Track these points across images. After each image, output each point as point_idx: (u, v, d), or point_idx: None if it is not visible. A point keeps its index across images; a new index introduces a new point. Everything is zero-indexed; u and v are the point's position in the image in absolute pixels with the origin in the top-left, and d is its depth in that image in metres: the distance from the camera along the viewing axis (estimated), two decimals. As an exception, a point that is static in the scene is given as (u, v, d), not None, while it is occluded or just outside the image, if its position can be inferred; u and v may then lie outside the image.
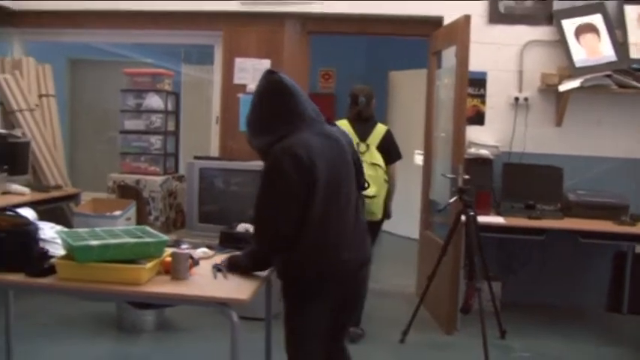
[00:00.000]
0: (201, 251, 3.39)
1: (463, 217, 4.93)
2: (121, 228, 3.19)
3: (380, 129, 5.17)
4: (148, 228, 3.17)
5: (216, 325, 5.23)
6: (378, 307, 6.20)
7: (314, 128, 2.90)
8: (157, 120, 6.50)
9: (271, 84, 2.91)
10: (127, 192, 6.32)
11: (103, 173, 6.65)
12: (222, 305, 2.72)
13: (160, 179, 6.35)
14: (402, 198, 7.31)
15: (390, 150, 5.16)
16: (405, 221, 8.33)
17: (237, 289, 2.82)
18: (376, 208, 5.00)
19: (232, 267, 3.10)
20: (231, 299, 2.71)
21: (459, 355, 4.89)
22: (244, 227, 4.33)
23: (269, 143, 2.83)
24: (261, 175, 2.80)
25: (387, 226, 9.36)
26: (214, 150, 6.77)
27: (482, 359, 4.54)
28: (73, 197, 6.54)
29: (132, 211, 5.97)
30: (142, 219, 6.06)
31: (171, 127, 6.69)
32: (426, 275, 5.14)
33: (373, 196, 4.94)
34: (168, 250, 3.02)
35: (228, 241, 4.30)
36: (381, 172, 5.04)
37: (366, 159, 4.93)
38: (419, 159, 8.01)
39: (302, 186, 2.74)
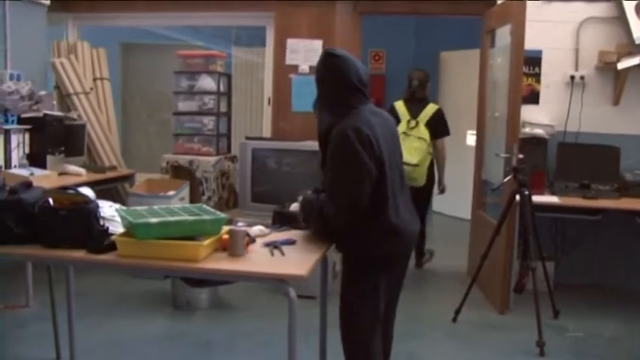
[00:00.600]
0: (257, 229, 3.38)
1: (517, 197, 4.87)
2: (178, 206, 3.17)
3: (430, 108, 5.97)
4: (205, 206, 3.16)
5: (270, 303, 5.26)
6: (430, 286, 6.19)
7: (370, 107, 2.99)
8: (209, 101, 6.53)
9: (331, 68, 2.94)
10: (181, 172, 6.35)
11: (157, 154, 6.73)
12: (279, 281, 2.70)
13: (212, 159, 6.38)
14: (452, 178, 7.25)
15: (437, 126, 5.94)
16: (456, 202, 8.27)
17: (295, 265, 2.79)
18: (418, 175, 5.76)
19: (303, 208, 3.19)
20: (289, 275, 2.70)
21: (511, 335, 4.83)
22: (297, 206, 4.32)
23: (330, 125, 2.88)
24: (331, 156, 2.85)
25: (438, 206, 9.44)
26: (266, 131, 6.79)
27: (535, 339, 4.47)
28: (128, 178, 6.60)
29: (185, 191, 5.99)
30: (195, 199, 6.09)
31: (223, 108, 6.71)
32: (478, 255, 5.08)
33: (416, 165, 5.69)
34: (225, 228, 3.00)
35: (281, 220, 4.30)
36: (425, 145, 5.81)
37: (414, 134, 5.85)
38: (471, 139, 7.92)
39: (371, 160, 2.81)
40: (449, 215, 9.23)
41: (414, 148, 5.77)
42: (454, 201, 7.79)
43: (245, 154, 5.98)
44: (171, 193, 5.84)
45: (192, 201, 5.97)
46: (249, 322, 4.98)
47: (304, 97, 6.18)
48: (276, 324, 4.56)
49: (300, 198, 3.23)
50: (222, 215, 3.01)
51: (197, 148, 6.56)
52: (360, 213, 2.85)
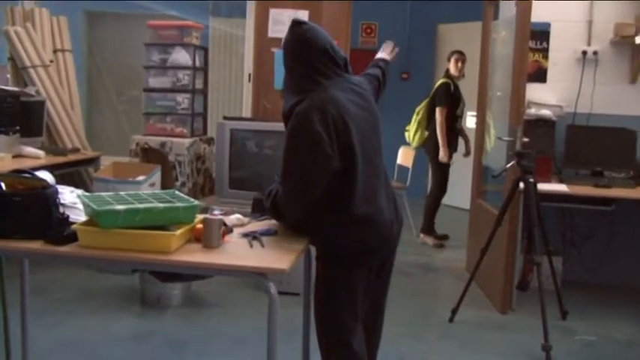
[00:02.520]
0: (235, 218, 3.36)
1: (521, 185, 4.88)
2: (147, 192, 3.15)
3: (437, 82, 7.40)
4: (177, 192, 3.15)
5: (248, 300, 5.28)
6: (425, 282, 6.22)
7: (342, 84, 2.94)
8: (184, 77, 6.51)
9: (295, 37, 2.91)
10: (151, 155, 6.35)
11: (125, 135, 6.78)
12: (259, 276, 2.68)
13: (187, 141, 6.36)
14: (451, 164, 7.27)
15: (434, 97, 7.29)
16: (455, 190, 8.27)
17: (276, 258, 2.78)
18: (410, 137, 7.35)
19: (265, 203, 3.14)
20: (269, 269, 2.68)
21: (514, 337, 4.85)
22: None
23: (295, 103, 2.86)
24: (287, 136, 2.83)
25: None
26: (246, 110, 6.78)
27: (540, 342, 4.46)
28: (92, 161, 6.60)
29: (156, 176, 5.99)
30: (167, 185, 6.09)
31: (199, 84, 6.69)
32: (478, 248, 5.09)
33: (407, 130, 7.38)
34: (200, 217, 3.00)
35: (261, 209, 4.29)
36: (421, 114, 7.39)
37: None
38: (471, 121, 7.96)
39: (333, 146, 2.77)
40: (446, 205, 9.20)
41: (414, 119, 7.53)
42: (452, 189, 7.79)
43: (223, 135, 5.93)
44: (140, 178, 5.83)
45: (164, 187, 5.95)
46: (225, 320, 4.98)
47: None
48: (256, 323, 4.60)
49: (266, 192, 3.17)
50: (197, 202, 2.99)
51: (170, 129, 6.54)
52: (315, 202, 2.85)
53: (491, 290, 5.54)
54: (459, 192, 8.35)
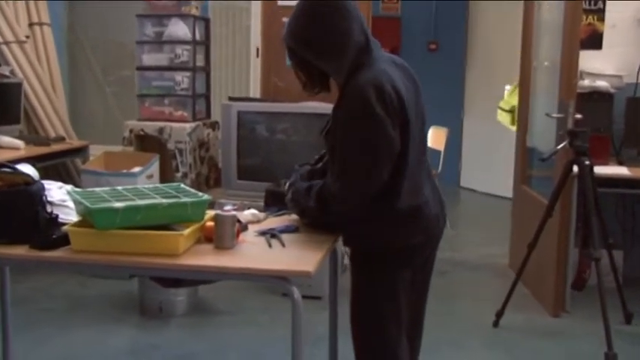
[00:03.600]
0: (249, 213, 3.35)
1: (574, 168, 4.85)
2: (148, 186, 3.16)
3: None
4: (182, 185, 3.16)
5: (263, 306, 5.28)
6: (463, 282, 6.20)
7: (385, 57, 2.93)
8: (182, 53, 6.46)
9: (330, 3, 2.83)
10: (148, 143, 6.34)
11: (116, 121, 6.78)
12: (281, 280, 2.68)
13: (188, 126, 6.35)
14: (485, 146, 7.26)
15: None
16: (488, 175, 8.29)
17: (299, 259, 2.79)
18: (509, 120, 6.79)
19: (292, 201, 3.15)
20: (292, 272, 2.68)
21: (570, 344, 4.81)
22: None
23: (347, 68, 2.82)
24: (344, 121, 2.80)
25: (467, 181, 9.49)
26: (255, 89, 6.78)
27: (602, 349, 4.38)
28: (80, 151, 6.59)
29: (154, 167, 5.98)
30: (167, 176, 6.08)
31: (200, 61, 6.65)
32: (523, 242, 5.09)
33: None
34: (210, 213, 2.99)
35: (275, 201, 4.27)
36: None
37: None
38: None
39: (395, 127, 2.76)
40: (481, 192, 9.24)
41: None
42: (487, 174, 7.80)
43: (229, 119, 5.92)
44: (136, 169, 5.83)
45: (163, 179, 5.96)
46: (237, 330, 4.97)
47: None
48: (272, 332, 4.73)
49: (289, 183, 3.19)
50: (206, 197, 2.98)
51: (168, 113, 6.51)
52: (371, 194, 2.84)
53: (541, 290, 5.51)
54: (499, 177, 8.32)
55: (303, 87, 3.00)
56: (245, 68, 7.08)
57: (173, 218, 2.87)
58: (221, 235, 2.88)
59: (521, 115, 6.40)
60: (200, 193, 3.03)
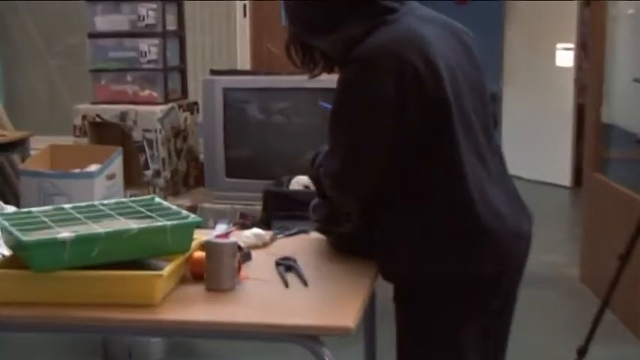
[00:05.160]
0: (251, 235, 3.09)
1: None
2: (109, 202, 2.90)
3: None
4: (158, 199, 2.94)
5: (256, 348, 4.98)
6: (525, 302, 5.87)
7: (419, 10, 2.75)
8: (148, 13, 6.30)
9: None
10: (107, 133, 6.25)
11: (64, 104, 6.85)
12: (308, 339, 2.44)
13: (159, 110, 6.21)
14: (530, 121, 7.01)
15: None
16: (536, 158, 8.41)
17: (330, 307, 2.58)
18: None
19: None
20: (324, 328, 2.44)
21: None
22: (301, 183, 4.43)
23: (348, 41, 2.65)
24: (336, 92, 2.67)
25: (509, 167, 9.38)
26: (243, 59, 6.77)
27: None
28: (17, 145, 6.53)
29: (116, 165, 5.85)
30: (133, 176, 6.03)
31: (171, 24, 6.52)
32: (602, 250, 5.03)
33: None
34: (198, 237, 2.75)
35: (277, 205, 4.29)
36: None
37: None
38: (565, 57, 8.14)
39: (407, 110, 2.56)
40: (532, 180, 9.08)
41: None
42: (535, 157, 7.58)
43: (212, 98, 5.84)
44: (92, 168, 5.67)
45: (128, 180, 5.92)
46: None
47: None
48: None
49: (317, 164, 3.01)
50: (194, 218, 2.71)
51: (132, 93, 6.38)
52: (379, 196, 2.71)
53: (634, 316, 5.31)
54: (550, 161, 8.33)
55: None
56: (230, 32, 7.10)
57: (146, 250, 2.62)
58: (215, 273, 2.63)
59: (593, 81, 6.23)
60: (184, 212, 2.76)
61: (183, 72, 6.71)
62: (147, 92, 6.34)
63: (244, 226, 3.23)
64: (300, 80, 5.51)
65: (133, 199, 3.00)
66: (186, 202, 5.60)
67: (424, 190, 2.68)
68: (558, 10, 8.05)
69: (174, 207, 2.84)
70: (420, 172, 2.66)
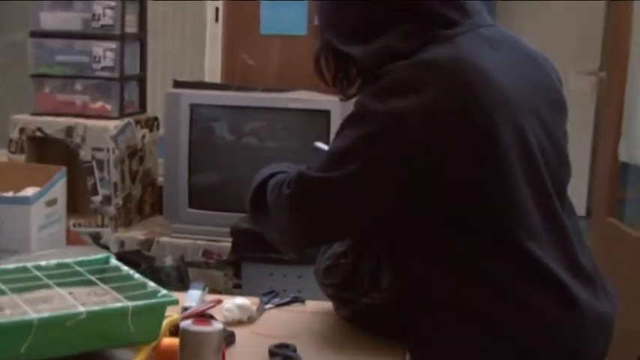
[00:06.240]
0: (234, 307, 2.70)
1: None
2: (48, 263, 2.38)
3: None
4: (114, 260, 2.49)
5: None
6: None
7: (488, 29, 2.43)
8: (104, 12, 6.02)
9: None
10: (49, 150, 5.99)
11: (0, 113, 6.50)
12: None
13: (112, 126, 5.87)
14: None
15: None
16: None
17: None
18: None
19: None
20: None
21: None
22: None
23: (388, 53, 2.32)
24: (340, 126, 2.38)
25: None
26: (212, 70, 6.57)
27: None
28: None
29: (58, 188, 5.44)
30: (78, 202, 5.73)
31: (132, 25, 6.21)
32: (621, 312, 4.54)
33: None
34: (170, 317, 2.31)
35: (249, 245, 4.27)
36: None
37: None
38: (580, 81, 8.42)
39: (437, 159, 2.20)
40: None
41: None
42: None
43: (176, 114, 5.55)
44: (29, 192, 5.25)
45: (73, 207, 5.52)
46: None
47: (286, 6, 6.21)
48: None
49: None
50: (164, 294, 2.25)
51: (81, 104, 6.03)
52: (318, 246, 2.67)
53: None
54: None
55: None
56: (199, 38, 6.87)
57: (97, 341, 2.13)
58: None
59: (610, 114, 6.14)
60: (150, 284, 2.23)
61: (142, 82, 6.42)
62: (99, 104, 6.02)
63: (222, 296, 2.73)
64: (279, 99, 5.38)
65: (80, 259, 2.47)
66: (140, 235, 5.35)
67: (459, 261, 2.32)
68: (574, 30, 8.15)
69: (136, 275, 2.34)
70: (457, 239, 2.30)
